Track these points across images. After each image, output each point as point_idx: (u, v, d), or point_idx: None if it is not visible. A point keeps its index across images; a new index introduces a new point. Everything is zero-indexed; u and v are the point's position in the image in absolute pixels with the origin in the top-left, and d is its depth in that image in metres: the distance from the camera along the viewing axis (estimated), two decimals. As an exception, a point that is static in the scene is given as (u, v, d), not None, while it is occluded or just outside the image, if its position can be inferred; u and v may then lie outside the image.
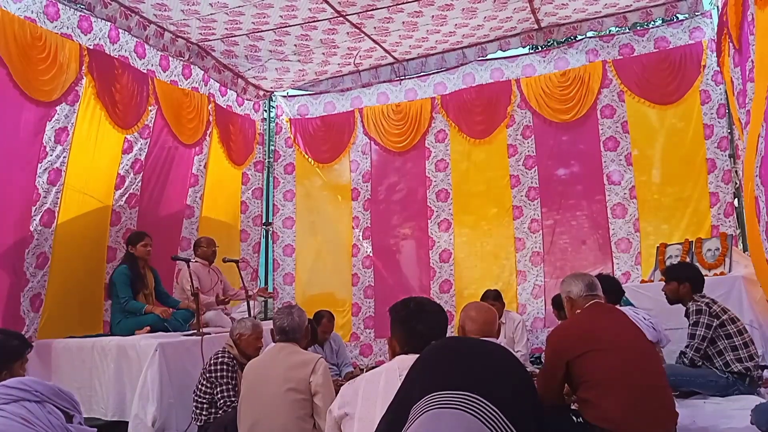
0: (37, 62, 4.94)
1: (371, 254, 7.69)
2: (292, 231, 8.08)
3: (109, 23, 5.56)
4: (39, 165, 5.05)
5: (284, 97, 8.21)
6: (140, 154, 6.08)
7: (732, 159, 6.17)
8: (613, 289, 4.10)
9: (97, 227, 5.73)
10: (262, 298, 7.30)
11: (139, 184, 6.11)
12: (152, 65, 6.24)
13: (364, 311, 7.60)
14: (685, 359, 4.12)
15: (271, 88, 7.86)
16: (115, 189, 5.86)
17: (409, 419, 0.90)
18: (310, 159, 8.05)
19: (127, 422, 4.41)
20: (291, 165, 8.18)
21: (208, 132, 7.01)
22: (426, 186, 7.51)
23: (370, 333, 7.54)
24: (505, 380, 0.91)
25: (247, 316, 5.43)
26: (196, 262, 5.71)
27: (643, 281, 5.96)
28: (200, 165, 6.94)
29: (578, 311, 3.28)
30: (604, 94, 6.74)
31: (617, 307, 3.59)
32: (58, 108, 5.15)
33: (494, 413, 0.86)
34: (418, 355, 1.22)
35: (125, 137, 5.89)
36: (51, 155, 5.13)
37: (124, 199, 5.93)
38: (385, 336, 7.32)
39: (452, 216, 7.38)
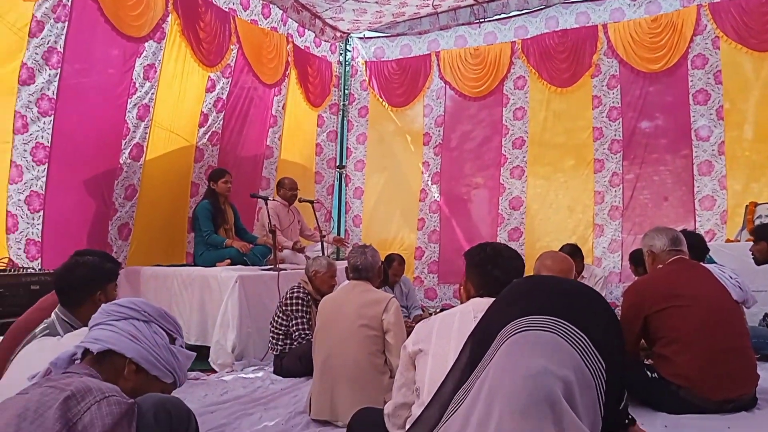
0: (127, -2, 5.07)
1: (439, 199, 7.67)
2: (362, 174, 8.16)
3: (193, -38, 5.63)
4: (129, 100, 5.26)
5: (360, 38, 8.15)
6: (222, 93, 6.22)
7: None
8: (697, 245, 3.95)
9: (181, 163, 5.97)
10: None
11: (221, 122, 6.28)
12: (233, 4, 6.30)
13: (428, 256, 7.65)
14: (768, 322, 3.98)
15: (348, 29, 7.81)
16: (198, 127, 6.06)
17: (494, 344, 0.89)
18: (384, 102, 8.02)
19: (209, 347, 4.68)
20: (365, 108, 8.18)
21: (287, 73, 7.08)
22: (502, 134, 7.35)
23: (433, 277, 7.60)
24: (594, 314, 0.88)
25: (321, 255, 5.60)
26: (274, 200, 5.88)
27: (728, 240, 5.72)
28: (279, 106, 7.05)
29: (660, 266, 3.20)
30: (696, 41, 6.32)
31: (702, 264, 3.46)
32: (146, 44, 5.31)
33: (584, 341, 0.84)
34: (493, 299, 1.23)
35: (209, 76, 6.03)
36: (140, 91, 5.33)
37: (207, 137, 6.13)
38: (448, 281, 7.43)
39: (526, 164, 7.22)
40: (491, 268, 2.11)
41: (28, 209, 4.55)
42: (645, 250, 3.33)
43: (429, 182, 7.74)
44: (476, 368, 0.91)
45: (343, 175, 8.23)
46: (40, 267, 4.45)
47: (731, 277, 3.34)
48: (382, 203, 8.08)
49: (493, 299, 1.13)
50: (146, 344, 1.52)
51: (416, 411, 1.98)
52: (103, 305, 1.59)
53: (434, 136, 7.75)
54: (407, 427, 2.05)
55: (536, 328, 0.85)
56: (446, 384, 1.03)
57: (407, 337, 2.19)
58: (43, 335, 2.30)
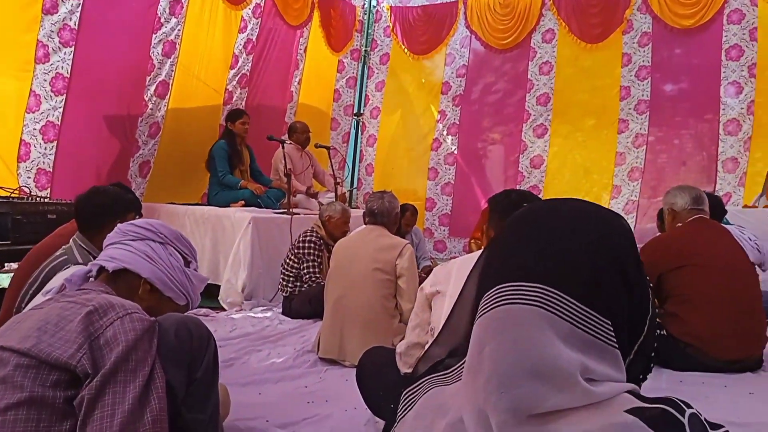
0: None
1: (456, 152, 7.56)
2: (377, 121, 8.05)
3: None
4: (153, 36, 5.18)
5: (387, -18, 7.92)
6: (252, 34, 6.14)
7: None
8: (714, 207, 3.89)
9: (209, 104, 5.93)
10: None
11: (250, 64, 6.21)
12: (258, -62, 6.14)
13: (440, 207, 7.57)
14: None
15: (375, -28, 7.59)
16: (229, 69, 6.01)
17: (477, 315, 0.85)
18: (405, 49, 7.84)
19: (219, 285, 4.72)
20: (386, 55, 8.01)
21: (311, 14, 6.93)
22: (526, 89, 7.17)
23: (444, 230, 7.54)
24: (591, 269, 0.83)
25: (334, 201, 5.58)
26: (290, 144, 5.83)
27: (745, 206, 5.62)
28: (301, 49, 6.93)
29: (679, 224, 3.16)
30: (735, -6, 6.08)
31: (721, 224, 3.42)
32: (172, -22, 5.21)
33: (574, 306, 0.80)
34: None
35: (241, 16, 5.93)
36: (165, 27, 5.25)
37: (236, 79, 6.08)
38: (459, 235, 7.39)
39: (550, 123, 7.07)
40: (514, 214, 2.06)
41: (42, 139, 4.55)
42: (666, 207, 3.32)
43: (444, 133, 7.61)
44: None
45: (360, 123, 8.12)
46: (49, 197, 4.46)
47: (750, 239, 3.32)
48: (394, 151, 7.98)
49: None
50: (161, 265, 1.51)
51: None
52: (119, 225, 1.57)
53: (454, 86, 7.58)
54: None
55: (514, 300, 0.80)
56: (454, 315, 0.99)
57: (419, 284, 2.18)
58: (61, 259, 2.31)
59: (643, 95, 6.56)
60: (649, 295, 0.89)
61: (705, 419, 0.77)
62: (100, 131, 5.00)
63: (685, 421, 0.74)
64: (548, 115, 7.06)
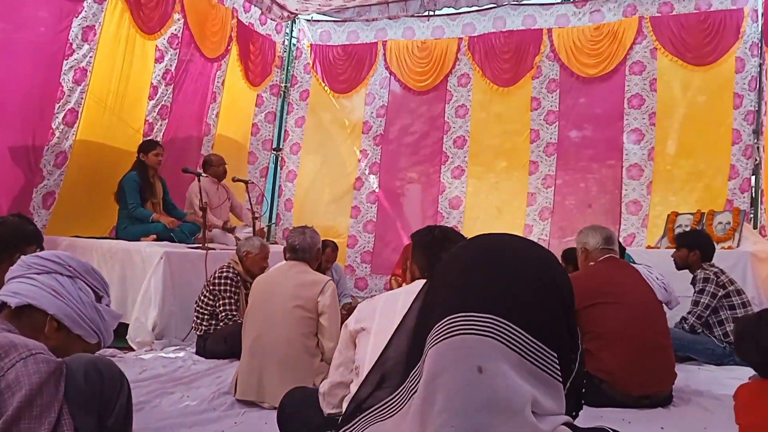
0: (62, -47, 4.79)
1: (377, 190, 7.64)
2: (297, 157, 8.02)
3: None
4: (65, 62, 4.95)
5: (308, 21, 8.00)
6: (171, 65, 6.00)
7: (756, 135, 6.07)
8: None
9: (125, 138, 5.69)
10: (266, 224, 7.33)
11: (171, 95, 6.07)
12: (179, -29, 6.05)
13: (362, 245, 7.59)
14: (685, 325, 4.17)
15: (296, 9, 7.63)
16: (148, 99, 5.85)
17: (427, 345, 0.84)
18: (326, 87, 7.90)
19: (128, 324, 4.46)
20: (306, 92, 8.05)
21: (229, 48, 6.87)
22: (443, 131, 7.38)
23: (366, 267, 7.55)
24: (535, 300, 0.84)
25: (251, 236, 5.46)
26: (206, 177, 5.67)
27: (648, 247, 5.97)
28: (219, 81, 6.82)
29: (591, 263, 3.30)
30: (636, 50, 6.56)
31: (631, 264, 3.60)
32: (85, 4, 5.03)
33: (523, 337, 0.80)
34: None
35: (156, 45, 5.80)
36: (77, 53, 5.04)
37: (157, 110, 5.92)
38: (381, 272, 7.41)
39: (467, 164, 7.28)
40: (438, 251, 2.08)
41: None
42: (579, 246, 3.43)
43: (366, 171, 7.68)
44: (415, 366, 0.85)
45: (279, 158, 8.05)
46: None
47: (657, 278, 3.50)
48: (315, 188, 7.97)
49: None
50: (70, 301, 1.39)
51: (354, 389, 1.93)
52: (23, 257, 1.44)
53: (375, 126, 7.70)
54: (344, 405, 2.01)
55: (469, 331, 0.80)
56: (391, 346, 0.97)
57: (342, 321, 2.14)
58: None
59: (551, 138, 6.90)
60: (578, 332, 0.91)
61: None
62: (2, 159, 4.68)
63: None
64: (465, 157, 7.28)
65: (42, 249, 2.39)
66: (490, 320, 0.78)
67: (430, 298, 0.88)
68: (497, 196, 7.21)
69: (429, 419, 0.76)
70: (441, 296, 0.85)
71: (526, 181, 6.98)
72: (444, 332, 0.79)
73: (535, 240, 6.69)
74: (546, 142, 6.91)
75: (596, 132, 6.86)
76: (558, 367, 0.81)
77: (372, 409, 0.92)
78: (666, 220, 5.92)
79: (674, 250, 4.52)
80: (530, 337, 0.79)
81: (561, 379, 0.81)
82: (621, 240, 5.33)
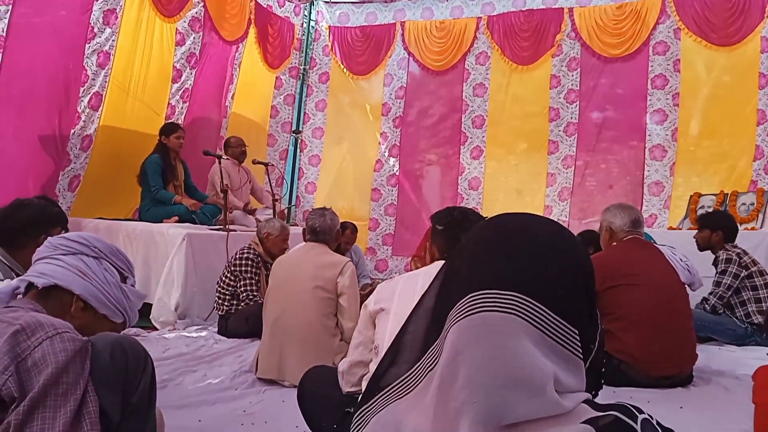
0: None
1: (398, 173, 7.63)
2: (320, 141, 8.02)
3: None
4: (87, 45, 4.99)
5: (326, 2, 7.95)
6: (194, 48, 6.03)
7: (782, 114, 5.94)
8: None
9: (147, 121, 5.74)
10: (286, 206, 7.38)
11: (193, 78, 6.10)
12: (198, -48, 6.05)
13: (384, 228, 7.60)
14: (706, 305, 4.13)
15: (315, -9, 7.60)
16: (171, 82, 5.89)
17: (448, 321, 0.84)
18: (345, 69, 7.87)
19: (151, 304, 4.54)
20: (326, 74, 8.02)
21: (248, 30, 6.86)
22: (461, 111, 7.33)
23: (387, 249, 7.57)
24: (556, 274, 0.84)
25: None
26: (227, 159, 5.71)
27: (670, 228, 5.91)
28: (236, 63, 6.83)
29: (614, 243, 3.26)
30: (659, 29, 6.42)
31: (655, 245, 3.55)
32: (105, -15, 5.04)
33: (545, 314, 0.80)
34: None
35: (176, 28, 5.82)
36: (99, 37, 5.07)
37: (180, 93, 5.96)
38: (402, 254, 7.43)
39: (485, 145, 7.23)
40: (458, 232, 2.08)
41: (-34, 149, 4.28)
42: (604, 225, 3.36)
43: (386, 154, 7.67)
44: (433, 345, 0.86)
45: (299, 141, 8.07)
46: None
47: (681, 260, 3.45)
48: (338, 172, 7.98)
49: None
50: (95, 281, 1.42)
51: (373, 369, 1.95)
52: (50, 238, 1.47)
53: (394, 107, 7.66)
54: (363, 384, 2.03)
55: (494, 308, 0.80)
56: (409, 324, 0.98)
57: (360, 302, 2.16)
58: (-22, 277, 2.17)
59: (571, 118, 6.81)
60: (597, 312, 0.92)
61: (657, 422, 0.79)
62: (30, 142, 4.76)
63: (638, 426, 0.75)
64: (483, 137, 7.22)
65: (67, 231, 2.44)
66: (513, 297, 0.79)
67: (450, 277, 0.88)
68: (517, 178, 7.16)
69: (450, 395, 0.77)
70: (462, 274, 0.85)
71: (546, 161, 6.91)
72: (466, 310, 0.79)
73: (555, 220, 6.67)
74: (566, 122, 6.83)
75: (618, 113, 6.75)
76: (579, 345, 0.81)
77: (390, 387, 0.93)
78: (688, 201, 5.84)
79: (696, 231, 4.47)
80: (552, 314, 0.79)
81: (582, 357, 0.82)
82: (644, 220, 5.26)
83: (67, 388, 1.14)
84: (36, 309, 1.33)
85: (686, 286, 3.43)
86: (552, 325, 0.79)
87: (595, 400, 0.83)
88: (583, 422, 0.76)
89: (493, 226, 0.90)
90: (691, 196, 5.87)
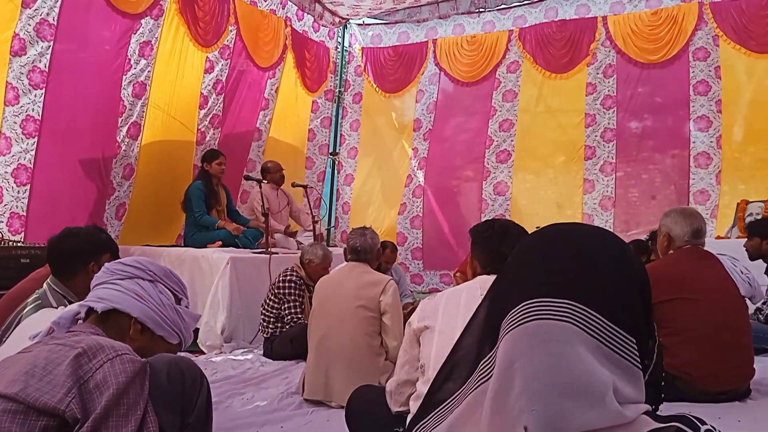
0: (125, -28, 4.99)
1: (423, 184, 7.61)
2: (355, 161, 8.11)
3: (191, -60, 5.56)
4: (124, 77, 5.17)
5: (359, 25, 8.07)
6: (221, 75, 6.17)
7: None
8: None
9: (183, 145, 5.91)
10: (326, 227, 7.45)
11: (221, 105, 6.24)
12: (232, -16, 6.22)
13: (411, 241, 7.59)
14: (760, 315, 3.99)
15: (347, 15, 7.73)
16: (199, 108, 6.02)
17: (501, 331, 0.84)
18: (377, 88, 7.96)
19: (198, 328, 4.62)
20: (359, 95, 8.13)
21: (284, 56, 7.01)
22: (489, 115, 7.27)
23: (418, 263, 7.54)
24: (612, 283, 0.83)
25: (312, 240, 5.56)
26: (266, 183, 5.82)
27: (718, 237, 5.75)
28: (272, 89, 6.98)
29: (671, 252, 3.14)
30: (698, 35, 6.33)
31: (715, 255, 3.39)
32: (143, 21, 5.23)
33: (601, 322, 0.79)
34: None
35: (207, 57, 5.98)
36: (135, 68, 5.25)
37: (207, 119, 6.09)
38: (434, 268, 7.38)
39: (513, 149, 7.16)
40: (499, 245, 2.06)
41: (15, 182, 4.45)
42: (664, 229, 3.17)
43: (416, 168, 7.69)
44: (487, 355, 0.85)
45: (336, 163, 8.16)
46: (22, 241, 4.35)
47: (742, 272, 3.30)
48: (370, 190, 8.03)
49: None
50: (152, 304, 1.47)
51: (421, 388, 1.95)
52: (106, 264, 1.53)
53: (425, 122, 7.70)
54: (411, 403, 2.02)
55: (548, 316, 0.79)
56: (463, 339, 0.97)
57: (404, 320, 2.15)
58: (35, 305, 2.23)
59: (608, 124, 6.71)
60: (654, 324, 0.90)
61: None
62: (75, 173, 4.93)
63: None
64: (512, 141, 7.15)
65: (117, 256, 2.49)
66: (567, 305, 0.78)
67: (502, 288, 0.88)
68: (556, 191, 7.09)
69: (506, 405, 0.76)
70: (514, 285, 0.85)
71: (582, 167, 6.81)
72: (519, 318, 0.79)
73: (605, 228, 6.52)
74: (603, 127, 6.73)
75: (658, 121, 6.65)
76: (637, 354, 0.80)
77: (445, 403, 0.93)
78: (736, 208, 5.68)
79: (746, 239, 4.34)
80: (608, 323, 0.78)
81: (640, 366, 0.81)
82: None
83: (128, 409, 1.17)
84: (96, 333, 1.38)
85: (747, 299, 3.29)
86: (608, 333, 0.78)
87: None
88: (646, 433, 0.75)
89: (543, 236, 0.90)
90: (738, 203, 5.70)
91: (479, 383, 0.83)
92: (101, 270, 1.52)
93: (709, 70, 6.27)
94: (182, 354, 4.13)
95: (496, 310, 0.86)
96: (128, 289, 1.46)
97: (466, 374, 0.88)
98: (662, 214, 3.27)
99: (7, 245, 3.85)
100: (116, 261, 1.53)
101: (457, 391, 0.89)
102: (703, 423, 0.78)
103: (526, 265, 0.87)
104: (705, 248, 3.55)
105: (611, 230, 6.36)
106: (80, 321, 1.45)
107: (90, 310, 1.46)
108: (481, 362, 0.84)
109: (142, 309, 1.45)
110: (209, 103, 6.07)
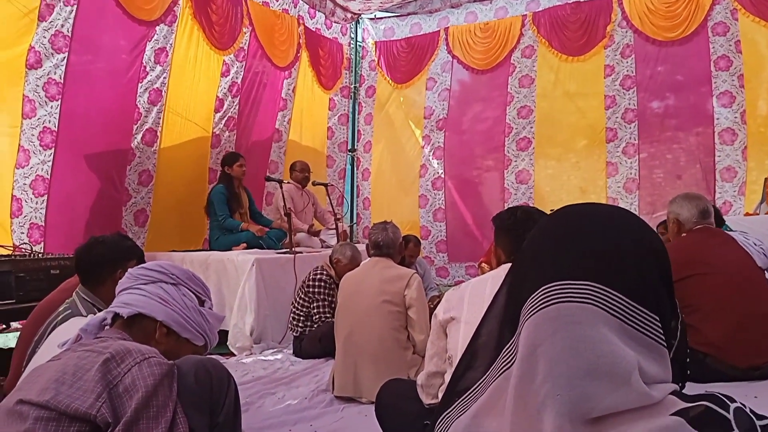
0: (136, -19, 5.03)
1: (443, 176, 7.57)
2: (370, 155, 8.10)
3: (203, -56, 5.58)
4: (139, 84, 5.23)
5: (371, 19, 8.05)
6: (237, 77, 6.20)
7: None
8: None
9: (198, 149, 5.95)
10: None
11: (237, 107, 6.27)
12: (243, -15, 6.25)
13: (435, 234, 7.56)
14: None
15: (359, 10, 7.72)
16: (214, 112, 6.04)
17: (522, 316, 0.83)
18: (389, 79, 7.93)
19: (227, 330, 4.66)
20: (372, 88, 8.13)
21: (299, 55, 7.04)
22: (507, 102, 7.19)
23: (443, 256, 7.50)
24: (632, 263, 0.81)
25: (335, 238, 5.58)
26: (288, 183, 5.85)
27: (746, 214, 5.63)
28: (289, 89, 7.00)
29: (684, 234, 3.16)
30: (716, 10, 6.17)
31: (725, 231, 3.41)
32: (157, 28, 5.28)
33: (623, 302, 0.78)
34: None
35: (223, 60, 6.01)
36: (151, 75, 5.30)
37: (223, 122, 6.12)
38: (459, 260, 7.34)
39: (534, 136, 7.08)
40: (523, 232, 2.04)
41: (33, 193, 4.54)
42: (671, 216, 3.26)
43: (430, 157, 7.64)
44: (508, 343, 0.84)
45: (355, 159, 8.18)
46: (43, 252, 4.42)
47: (755, 244, 3.29)
48: (385, 183, 8.02)
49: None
50: (176, 307, 1.49)
51: (449, 378, 1.94)
52: (130, 270, 1.55)
53: (437, 110, 7.63)
54: (440, 395, 2.02)
55: (570, 299, 0.77)
56: (483, 327, 0.96)
57: (430, 313, 2.15)
58: (65, 314, 2.27)
59: (629, 104, 6.60)
60: (676, 302, 0.88)
61: (751, 410, 0.75)
62: (90, 182, 4.99)
63: (730, 416, 0.73)
64: (531, 128, 7.07)
65: (143, 262, 2.52)
66: (588, 287, 0.77)
67: (519, 274, 0.87)
68: (579, 176, 7.00)
69: (531, 391, 0.75)
70: (533, 269, 0.84)
71: (605, 150, 6.71)
72: (540, 302, 0.78)
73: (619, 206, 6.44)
74: (624, 108, 6.61)
75: (680, 99, 6.51)
76: (661, 331, 0.79)
77: (468, 392, 0.92)
78: (763, 184, 5.55)
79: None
80: (630, 302, 0.77)
81: (665, 344, 0.79)
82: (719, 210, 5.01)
83: (157, 411, 1.19)
84: (123, 337, 1.40)
85: (765, 270, 3.26)
86: (630, 312, 0.76)
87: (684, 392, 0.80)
88: (673, 414, 0.73)
89: (557, 219, 0.89)
90: (765, 178, 5.58)
91: (502, 371, 0.82)
92: (125, 276, 1.55)
93: (729, 45, 6.11)
94: (212, 356, 4.19)
95: (515, 296, 0.85)
96: (152, 293, 1.48)
97: (488, 362, 0.87)
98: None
99: (36, 257, 3.92)
100: (139, 266, 1.55)
101: (480, 380, 0.88)
102: (733, 401, 0.76)
103: (542, 249, 0.86)
104: (732, 227, 3.50)
105: (636, 213, 6.32)
106: (107, 327, 1.47)
107: (116, 316, 1.48)
108: (503, 349, 0.83)
109: (166, 312, 1.47)
110: (225, 106, 6.11)
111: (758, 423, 0.76)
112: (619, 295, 0.76)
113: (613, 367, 0.72)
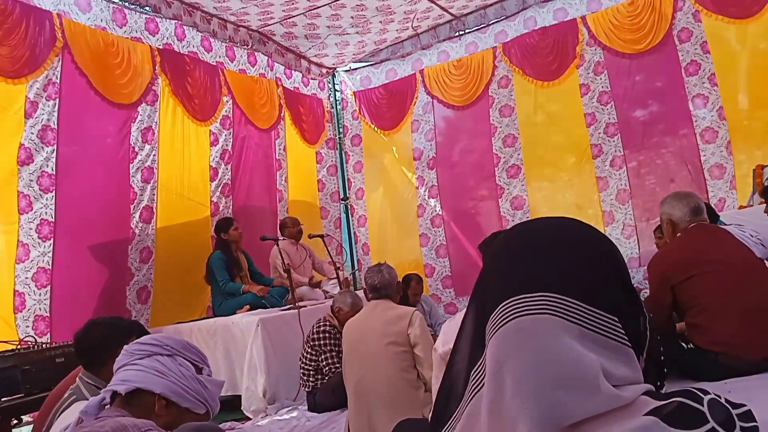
0: (113, 67, 5.17)
1: (441, 213, 7.63)
2: (363, 201, 8.18)
3: (174, 22, 5.76)
4: (131, 165, 5.32)
5: (346, 71, 8.24)
6: (227, 144, 6.33)
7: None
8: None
9: (196, 219, 6.02)
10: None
11: (230, 173, 6.38)
12: (220, 57, 6.41)
13: (439, 271, 7.57)
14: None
15: (333, 64, 7.91)
16: (210, 181, 6.15)
17: (486, 336, 0.85)
18: (374, 127, 8.05)
19: (240, 395, 4.63)
20: (358, 136, 8.24)
21: (281, 115, 7.18)
22: (490, 134, 7.29)
23: (450, 292, 7.49)
24: (587, 269, 0.83)
25: (338, 287, 5.58)
26: (283, 240, 5.89)
27: (740, 207, 5.66)
28: (280, 148, 7.15)
29: (679, 234, 3.15)
30: (678, 17, 6.31)
31: (720, 226, 3.41)
32: (140, 108, 5.39)
33: (581, 307, 0.80)
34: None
35: (210, 129, 6.14)
36: (141, 154, 5.40)
37: (219, 190, 6.22)
38: (466, 294, 7.30)
39: (522, 162, 7.15)
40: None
41: (36, 285, 4.54)
42: (664, 218, 3.22)
43: (426, 197, 7.72)
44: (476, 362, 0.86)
45: (348, 207, 8.25)
46: (49, 342, 4.41)
47: (752, 236, 3.29)
48: (383, 227, 8.08)
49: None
50: (173, 377, 1.50)
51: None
52: (125, 346, 1.57)
53: (426, 150, 7.74)
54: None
55: (529, 311, 0.80)
56: (457, 353, 0.97)
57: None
58: (70, 400, 2.28)
59: (609, 119, 6.68)
60: (641, 301, 0.90)
61: (726, 400, 0.76)
62: (91, 267, 5.02)
63: (705, 408, 0.74)
64: (518, 155, 7.15)
65: (146, 334, 2.52)
66: (543, 297, 0.78)
67: (481, 297, 0.89)
68: (573, 192, 7.05)
69: (502, 409, 0.76)
70: (492, 287, 0.86)
71: (593, 167, 6.78)
72: (501, 319, 0.79)
73: (620, 225, 6.55)
74: (605, 123, 6.70)
75: (662, 105, 6.59)
76: (623, 332, 0.80)
77: (449, 422, 0.92)
78: (753, 175, 5.59)
79: (765, 205, 4.27)
80: (587, 306, 0.78)
81: (629, 344, 0.81)
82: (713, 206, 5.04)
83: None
84: (122, 414, 1.41)
85: (765, 261, 3.25)
86: (588, 316, 0.77)
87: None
88: (646, 413, 0.74)
89: (509, 235, 0.92)
90: (754, 169, 5.62)
91: (474, 393, 0.84)
92: (121, 353, 1.56)
93: (695, 49, 6.22)
94: (228, 424, 4.15)
95: (480, 315, 0.87)
96: (148, 367, 1.49)
97: (463, 387, 0.89)
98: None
99: (39, 348, 3.92)
100: (134, 342, 1.57)
101: (457, 408, 0.89)
102: (707, 393, 0.77)
103: (498, 266, 0.88)
104: (726, 221, 3.52)
105: (633, 222, 6.32)
106: (107, 406, 1.49)
107: (115, 394, 1.49)
108: (473, 371, 0.85)
109: (164, 384, 1.48)
110: (219, 174, 6.22)
111: (734, 411, 0.77)
112: (574, 301, 0.78)
113: (579, 373, 0.73)
